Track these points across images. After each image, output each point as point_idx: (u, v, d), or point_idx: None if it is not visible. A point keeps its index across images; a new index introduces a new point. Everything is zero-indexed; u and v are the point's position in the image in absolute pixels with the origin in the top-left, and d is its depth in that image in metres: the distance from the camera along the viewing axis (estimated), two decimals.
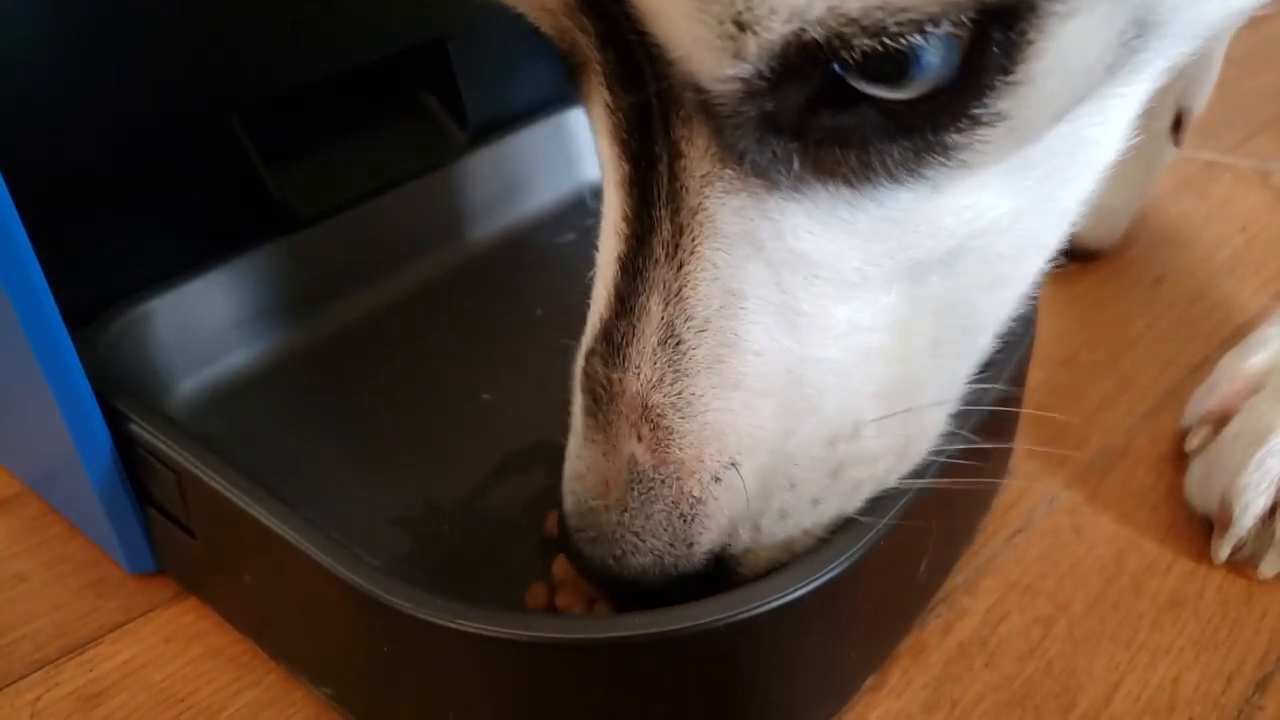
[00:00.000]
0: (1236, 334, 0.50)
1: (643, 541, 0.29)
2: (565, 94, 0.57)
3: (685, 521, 0.29)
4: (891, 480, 0.32)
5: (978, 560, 0.41)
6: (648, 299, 0.27)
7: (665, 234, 0.27)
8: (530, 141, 0.55)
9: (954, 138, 0.25)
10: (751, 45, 0.22)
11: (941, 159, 0.25)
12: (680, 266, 0.27)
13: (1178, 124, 0.59)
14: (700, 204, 0.26)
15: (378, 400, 0.44)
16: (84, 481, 0.38)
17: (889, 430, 0.30)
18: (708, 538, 0.29)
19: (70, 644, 0.38)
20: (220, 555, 0.36)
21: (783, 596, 0.30)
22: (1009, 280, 0.30)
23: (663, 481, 0.28)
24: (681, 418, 0.28)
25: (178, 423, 0.36)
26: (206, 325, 0.43)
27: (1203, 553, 0.42)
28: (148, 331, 0.42)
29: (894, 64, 0.23)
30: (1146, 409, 0.49)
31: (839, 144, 0.25)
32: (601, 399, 0.29)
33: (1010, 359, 0.38)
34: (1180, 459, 0.45)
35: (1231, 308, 0.55)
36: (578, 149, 0.57)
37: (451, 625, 0.29)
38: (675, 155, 0.26)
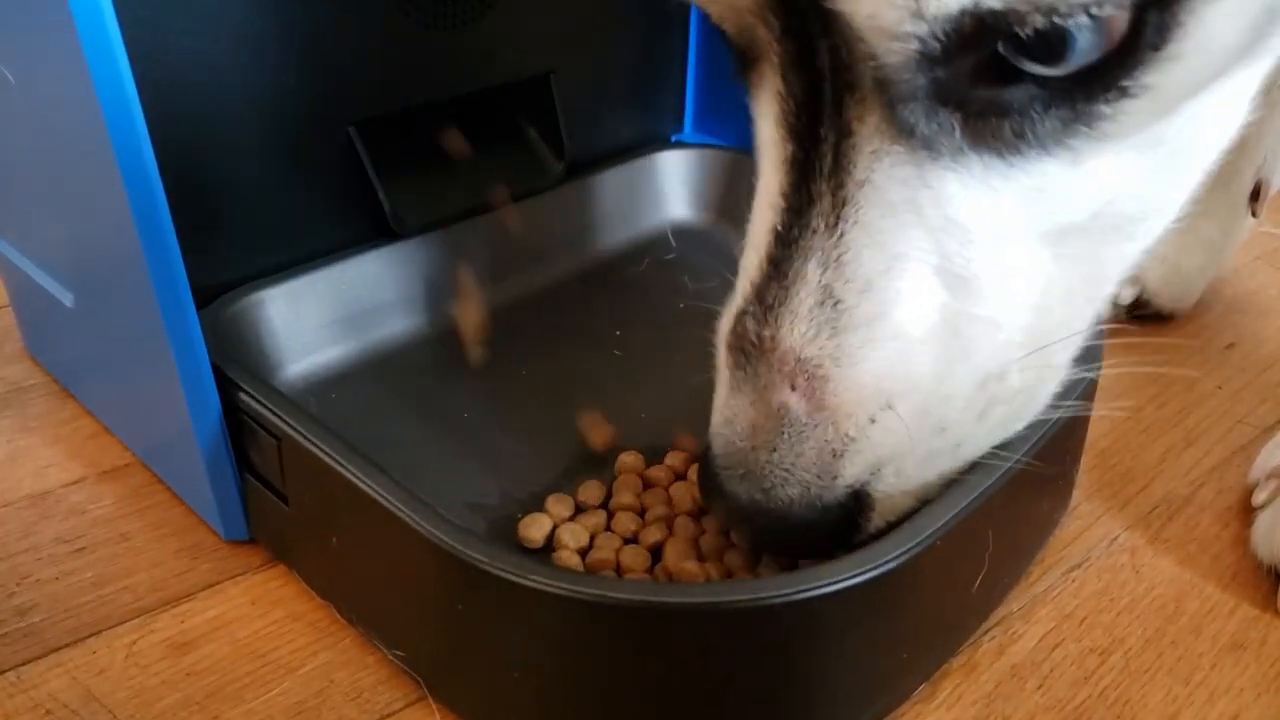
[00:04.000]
0: None
1: (791, 474, 0.32)
2: (654, 136, 0.61)
3: (835, 457, 0.31)
4: (1021, 422, 0.35)
5: (1034, 590, 0.42)
6: (804, 265, 0.30)
7: (825, 206, 0.30)
8: (620, 178, 0.58)
9: (1101, 108, 0.27)
10: (930, 12, 0.25)
11: (1087, 129, 0.28)
12: (841, 235, 0.30)
13: (1256, 194, 0.60)
14: (868, 177, 0.29)
15: (462, 400, 0.46)
16: (191, 450, 0.41)
17: (1029, 369, 0.33)
18: (853, 472, 0.32)
19: (165, 598, 0.41)
20: (311, 520, 0.39)
21: (840, 581, 0.31)
22: (1135, 237, 0.33)
23: (816, 425, 0.31)
24: (838, 367, 0.30)
25: (281, 393, 0.39)
26: (313, 317, 0.47)
27: (1267, 601, 0.41)
28: (259, 318, 0.45)
29: (1055, 41, 0.26)
30: (1213, 463, 0.49)
31: (997, 114, 0.27)
32: (751, 354, 0.31)
33: (1078, 386, 0.39)
34: (1246, 511, 0.46)
35: None
36: (663, 188, 0.60)
37: (521, 580, 0.31)
38: (844, 134, 0.29)
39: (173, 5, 0.40)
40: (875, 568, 0.31)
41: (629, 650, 0.31)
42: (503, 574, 0.31)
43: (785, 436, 0.31)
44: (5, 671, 0.37)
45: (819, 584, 0.31)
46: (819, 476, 0.32)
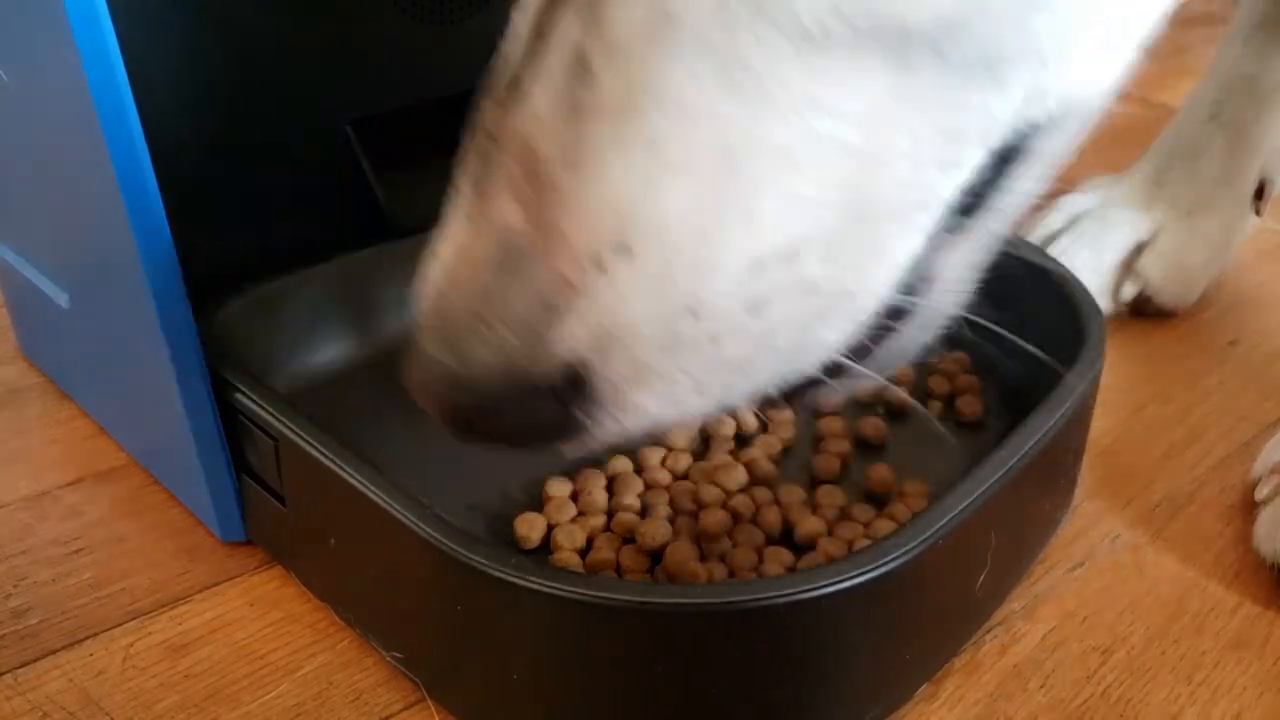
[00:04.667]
0: None
1: (491, 330, 0.23)
2: None
3: (546, 310, 0.23)
4: (826, 333, 0.24)
5: (1036, 589, 0.41)
6: (562, 13, 0.22)
7: None
8: None
9: None
10: None
11: None
12: None
13: (1260, 193, 0.60)
14: None
15: None
16: (188, 451, 0.41)
17: (837, 259, 0.23)
18: (569, 338, 0.23)
19: (162, 599, 0.40)
20: (308, 521, 0.38)
21: (843, 580, 0.31)
22: (1007, 84, 0.23)
23: (534, 256, 0.23)
24: (572, 174, 0.22)
25: (278, 393, 0.39)
26: (309, 317, 0.46)
27: (1270, 599, 0.41)
28: (255, 318, 0.45)
29: None
30: (1216, 460, 0.49)
31: None
32: (489, 153, 0.24)
33: (1079, 383, 0.39)
34: (1249, 508, 0.45)
35: None
36: None
37: (520, 581, 0.30)
38: None
39: (167, 5, 0.40)
40: (877, 567, 0.31)
41: (629, 651, 0.31)
42: (501, 575, 0.31)
43: (499, 271, 0.23)
44: (2, 674, 0.37)
45: (821, 584, 0.30)
46: (525, 335, 0.23)
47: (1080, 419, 0.41)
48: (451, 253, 0.24)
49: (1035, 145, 0.25)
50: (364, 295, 0.48)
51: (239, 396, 0.39)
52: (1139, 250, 0.59)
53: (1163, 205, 0.59)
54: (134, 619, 0.39)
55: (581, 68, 0.22)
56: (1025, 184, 0.26)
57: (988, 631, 0.39)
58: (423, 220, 0.50)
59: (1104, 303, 0.58)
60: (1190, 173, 0.59)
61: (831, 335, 0.24)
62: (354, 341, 0.48)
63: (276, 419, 0.37)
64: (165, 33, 0.40)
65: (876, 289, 0.24)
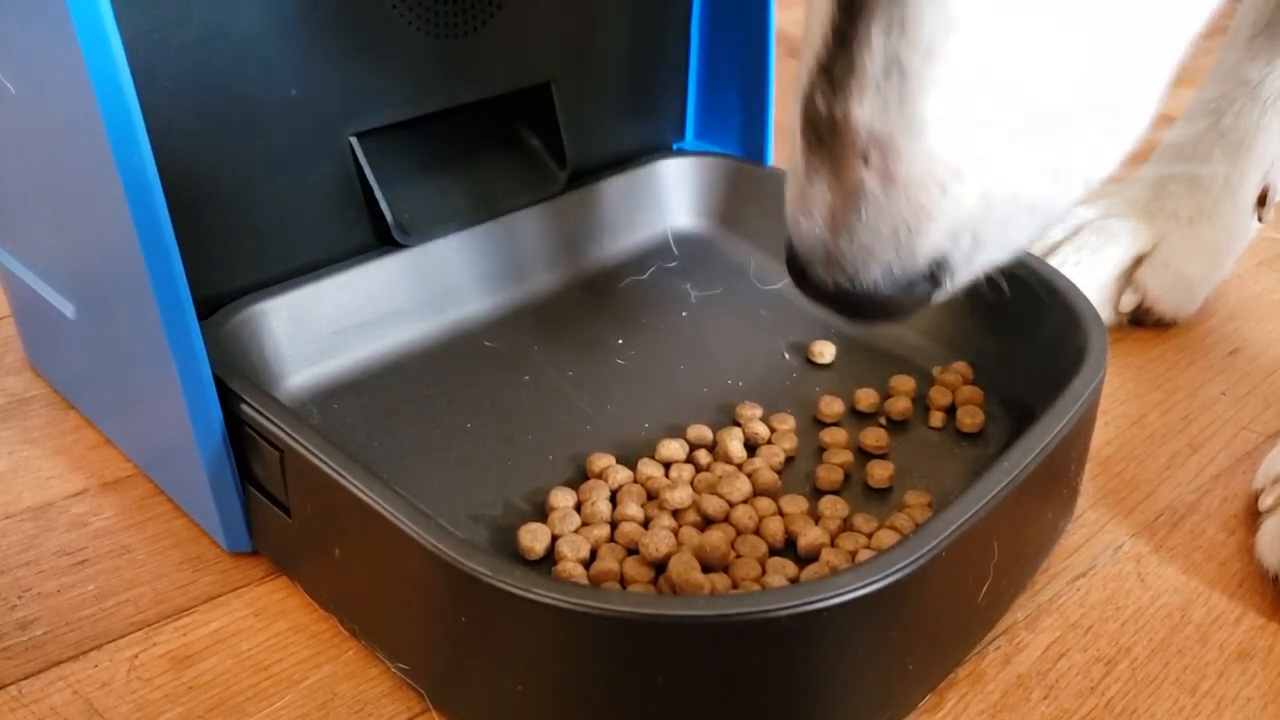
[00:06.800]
0: None
1: (873, 255, 0.32)
2: (656, 145, 0.61)
3: (911, 232, 0.31)
4: (1100, 167, 0.33)
5: (1039, 599, 0.42)
6: (868, 29, 0.30)
7: None
8: (623, 186, 0.58)
9: None
10: None
11: None
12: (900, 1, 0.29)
13: (1262, 201, 0.60)
14: None
15: (466, 408, 0.46)
16: (193, 462, 0.41)
17: (1103, 122, 0.32)
18: (930, 243, 0.32)
19: (167, 610, 0.40)
20: (313, 532, 0.38)
21: (845, 593, 0.31)
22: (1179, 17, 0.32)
23: (892, 200, 0.31)
24: (908, 138, 0.30)
25: (284, 404, 0.39)
26: (315, 328, 0.46)
27: (1274, 609, 0.41)
28: (261, 328, 0.45)
29: None
30: (1218, 470, 0.49)
31: None
32: (824, 133, 0.31)
33: (1081, 393, 0.39)
34: (1251, 518, 0.45)
35: None
36: (665, 196, 0.60)
37: (524, 593, 0.30)
38: None
39: (174, 16, 0.40)
40: (880, 579, 0.31)
41: (632, 663, 0.31)
42: (505, 586, 0.31)
43: (863, 217, 0.31)
44: (6, 686, 0.37)
45: (824, 596, 0.31)
46: (899, 254, 0.32)
47: (1082, 429, 0.41)
48: (811, 204, 0.33)
49: None
50: (370, 307, 0.48)
51: (244, 407, 0.39)
52: (1139, 260, 0.59)
53: (1163, 215, 0.60)
54: (139, 630, 0.40)
55: (896, 64, 0.29)
56: None
57: (991, 642, 0.40)
58: (426, 232, 0.50)
59: (1105, 313, 0.58)
60: (1191, 181, 0.59)
61: (1103, 168, 0.33)
62: (360, 353, 0.48)
63: (282, 430, 0.37)
64: (172, 45, 0.40)
65: (1130, 135, 0.33)
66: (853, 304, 0.33)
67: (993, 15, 0.29)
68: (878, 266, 0.32)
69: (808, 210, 0.33)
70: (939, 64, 0.29)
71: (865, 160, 0.31)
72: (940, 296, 0.34)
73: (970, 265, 0.33)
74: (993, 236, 0.32)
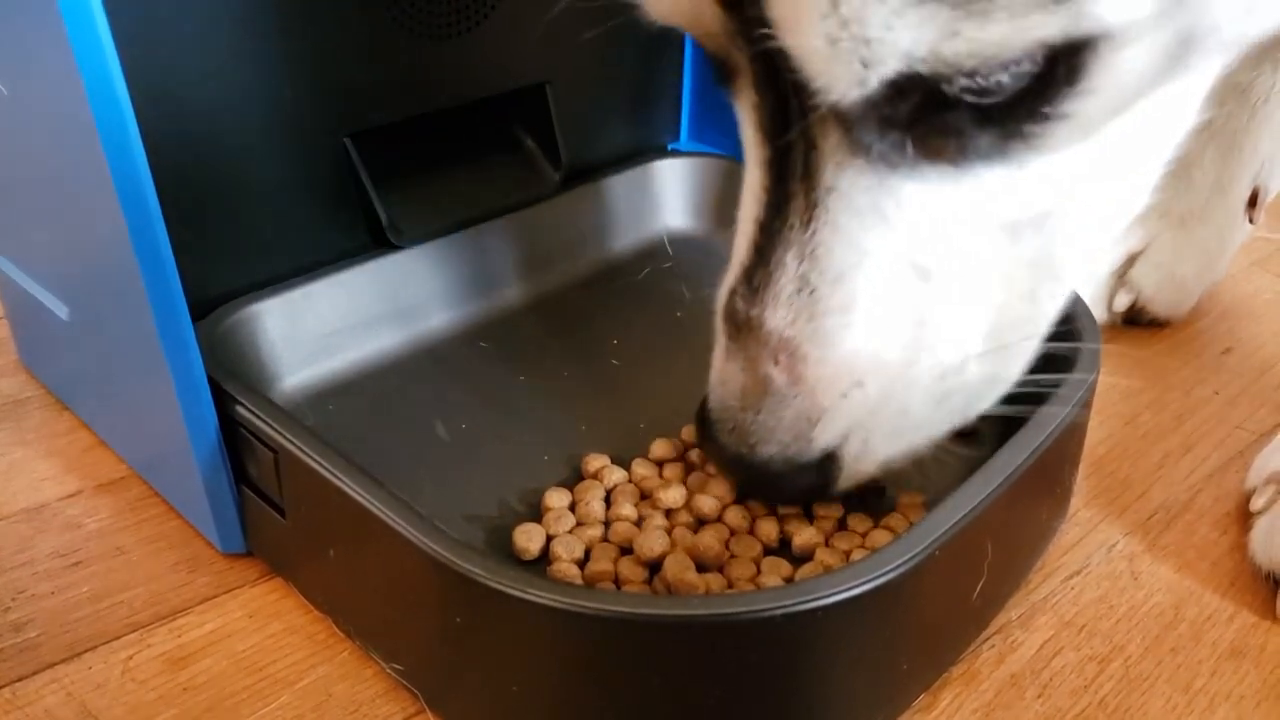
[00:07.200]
0: None
1: (772, 435, 0.36)
2: (651, 145, 0.61)
3: (810, 424, 0.35)
4: (982, 405, 0.37)
5: (1033, 598, 0.42)
6: (784, 255, 0.33)
7: (800, 205, 0.33)
8: (617, 187, 0.58)
9: (1030, 128, 0.30)
10: (872, 78, 0.28)
11: (1022, 144, 0.31)
12: (814, 233, 0.33)
13: (1253, 201, 0.60)
14: (834, 183, 0.32)
15: (460, 410, 0.46)
16: (188, 463, 0.41)
17: (988, 363, 0.36)
18: (825, 438, 0.35)
19: (162, 612, 0.40)
20: (308, 533, 0.38)
21: (840, 592, 0.31)
22: (1091, 237, 0.35)
23: (796, 396, 0.35)
24: (814, 348, 0.34)
25: (278, 405, 0.39)
26: (309, 329, 0.46)
27: (1266, 608, 0.41)
28: (256, 330, 0.45)
29: (982, 84, 0.29)
30: (1211, 468, 0.49)
31: (942, 134, 0.30)
32: (742, 328, 0.35)
33: (1075, 393, 0.39)
34: (1244, 517, 0.46)
35: None
36: (659, 197, 0.60)
37: (519, 594, 0.31)
38: (810, 146, 0.32)
39: (167, 18, 0.40)
40: (875, 578, 0.31)
41: (628, 663, 0.31)
42: (501, 587, 0.31)
43: (769, 403, 0.35)
44: (1, 688, 0.37)
45: (819, 595, 0.31)
46: (796, 439, 0.35)
47: (1076, 428, 0.41)
48: (727, 379, 0.36)
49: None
50: (364, 308, 0.48)
51: (239, 408, 0.39)
52: (1133, 260, 0.59)
53: (1155, 215, 0.60)
54: (133, 631, 0.39)
55: (807, 286, 0.33)
56: None
57: (985, 641, 0.40)
58: (421, 233, 0.50)
59: (1098, 312, 0.58)
60: (1182, 182, 0.60)
61: (984, 405, 0.38)
62: (354, 355, 0.48)
63: (276, 431, 0.37)
64: (164, 46, 0.40)
65: (1010, 378, 0.38)
66: (746, 472, 0.37)
67: (903, 251, 0.33)
68: (775, 446, 0.36)
69: (724, 381, 0.36)
70: (845, 289, 0.33)
71: (775, 359, 0.34)
72: (837, 486, 0.37)
73: (859, 463, 0.36)
74: (879, 443, 0.36)
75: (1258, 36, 0.33)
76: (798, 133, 0.32)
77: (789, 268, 0.33)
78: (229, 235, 0.45)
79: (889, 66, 0.28)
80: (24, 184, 0.43)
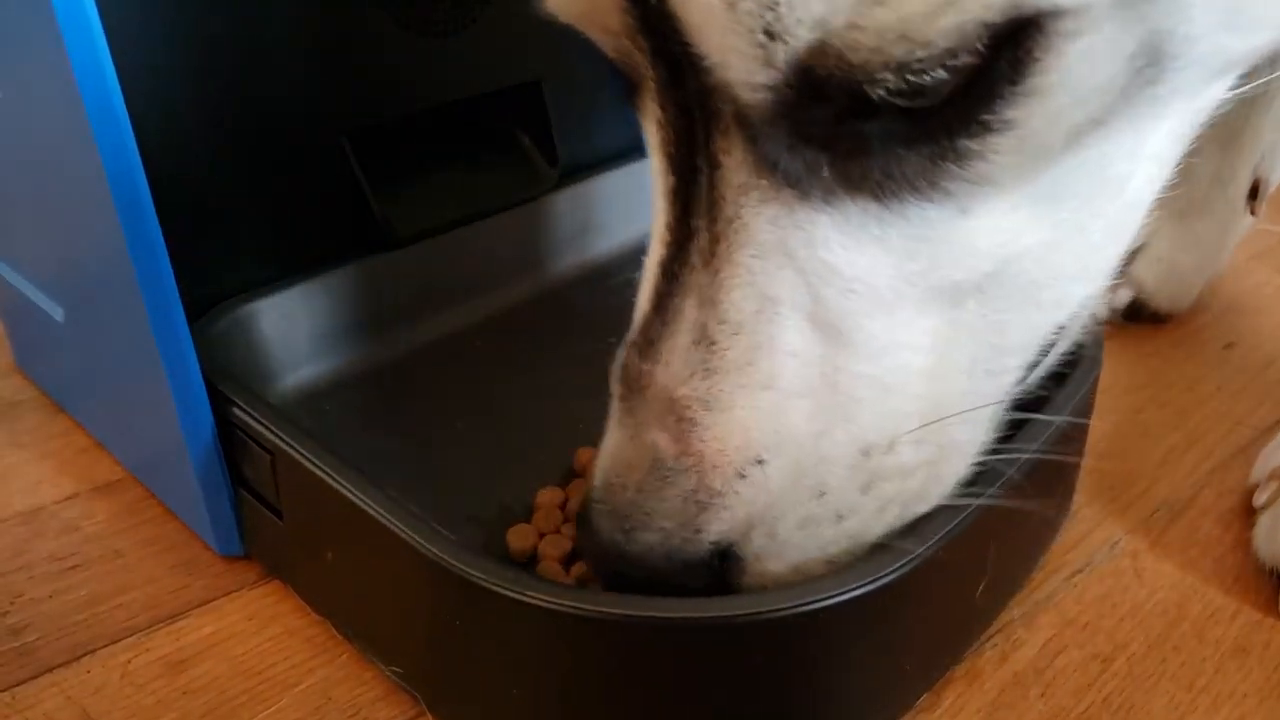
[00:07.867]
0: None
1: (651, 520, 0.30)
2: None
3: (698, 509, 0.29)
4: (921, 506, 0.32)
5: (1036, 596, 0.41)
6: (683, 301, 0.29)
7: (703, 242, 0.28)
8: (613, 184, 0.58)
9: (966, 143, 0.26)
10: (780, 53, 0.24)
11: (957, 168, 0.26)
12: (716, 273, 0.28)
13: (1254, 193, 0.60)
14: (736, 213, 0.28)
15: (458, 409, 0.46)
16: (185, 465, 0.40)
17: (923, 445, 0.30)
18: (717, 528, 0.30)
19: (160, 615, 0.40)
20: (305, 535, 0.38)
21: (843, 592, 0.31)
22: (1044, 307, 0.31)
23: (683, 471, 0.29)
24: (707, 412, 0.29)
25: (274, 407, 0.39)
26: (305, 329, 0.46)
27: (1270, 604, 0.41)
28: (251, 330, 0.45)
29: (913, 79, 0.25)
30: (1214, 464, 0.49)
31: (864, 154, 0.26)
32: (633, 388, 0.30)
33: (1077, 390, 0.39)
34: (1248, 513, 0.45)
35: None
36: None
37: (518, 595, 0.30)
38: (714, 166, 0.28)
39: (161, 18, 0.40)
40: (878, 578, 0.31)
41: (628, 665, 0.31)
42: (499, 589, 0.31)
43: (652, 478, 0.30)
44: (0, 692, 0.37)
45: (822, 595, 0.30)
46: (681, 526, 0.30)
47: (1078, 424, 0.41)
48: (613, 449, 0.31)
49: (1062, 338, 0.33)
50: (361, 307, 0.48)
51: (235, 410, 0.39)
52: (1132, 256, 0.59)
53: (1154, 208, 0.59)
54: (132, 635, 0.39)
55: (705, 338, 0.29)
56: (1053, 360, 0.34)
57: (988, 640, 0.39)
58: (418, 231, 0.50)
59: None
60: (1182, 174, 0.59)
61: (924, 507, 0.32)
62: (350, 354, 0.48)
63: (273, 433, 0.37)
64: (160, 47, 0.40)
65: (956, 470, 0.32)
66: (613, 564, 0.31)
67: (814, 302, 0.28)
68: (655, 534, 0.30)
69: (609, 454, 0.31)
70: (744, 342, 0.28)
71: (663, 425, 0.29)
72: (739, 585, 0.31)
73: (762, 565, 0.30)
74: (789, 537, 0.30)
75: (1243, 57, 0.29)
76: (702, 156, 0.27)
77: (687, 316, 0.29)
78: (225, 235, 0.45)
79: (800, 39, 0.23)
80: (20, 186, 0.43)
